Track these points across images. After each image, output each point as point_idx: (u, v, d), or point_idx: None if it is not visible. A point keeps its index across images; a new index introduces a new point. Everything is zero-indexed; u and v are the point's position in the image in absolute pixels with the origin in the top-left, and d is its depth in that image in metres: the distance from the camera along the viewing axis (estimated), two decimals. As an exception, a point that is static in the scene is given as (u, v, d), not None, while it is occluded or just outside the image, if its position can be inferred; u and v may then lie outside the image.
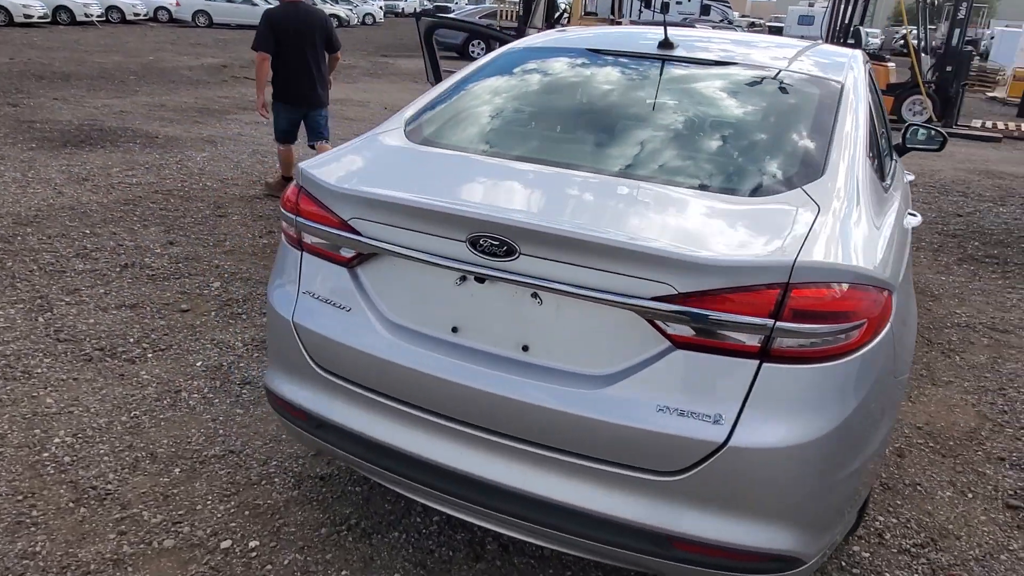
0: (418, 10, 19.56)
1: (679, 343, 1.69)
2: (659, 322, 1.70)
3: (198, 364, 3.42)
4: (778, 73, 2.49)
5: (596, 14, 15.71)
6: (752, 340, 1.64)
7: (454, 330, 1.92)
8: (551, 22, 11.89)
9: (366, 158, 2.24)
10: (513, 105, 2.55)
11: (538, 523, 1.84)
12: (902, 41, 19.43)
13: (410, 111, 2.54)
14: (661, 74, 2.52)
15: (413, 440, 1.97)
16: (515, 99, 2.58)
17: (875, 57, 14.43)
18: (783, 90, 2.41)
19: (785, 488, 1.70)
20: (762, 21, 49.19)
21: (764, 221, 1.80)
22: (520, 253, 1.75)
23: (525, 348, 1.85)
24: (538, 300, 1.81)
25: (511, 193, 1.96)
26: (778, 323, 1.62)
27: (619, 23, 15.87)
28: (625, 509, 1.76)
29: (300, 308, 2.10)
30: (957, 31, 12.98)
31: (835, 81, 2.44)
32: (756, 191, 1.97)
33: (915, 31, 13.72)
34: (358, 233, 1.97)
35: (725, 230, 1.76)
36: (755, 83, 2.45)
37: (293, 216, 2.11)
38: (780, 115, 2.30)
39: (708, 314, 1.64)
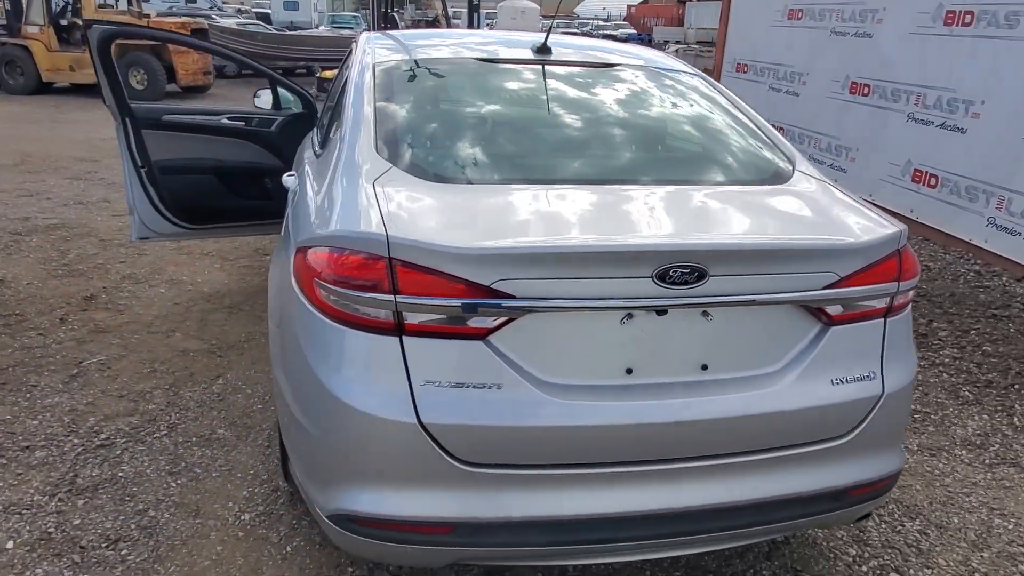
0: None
1: (835, 321, 1.90)
2: (821, 307, 1.88)
3: None
4: (674, 70, 2.82)
5: (114, 6, 13.62)
6: (882, 303, 1.95)
7: (628, 371, 1.80)
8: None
9: (430, 207, 1.86)
10: (488, 126, 2.37)
11: (730, 528, 1.90)
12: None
13: (368, 150, 2.09)
14: (546, 78, 2.62)
15: (595, 500, 1.80)
16: (481, 120, 2.40)
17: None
18: (681, 85, 2.75)
19: (904, 417, 2.10)
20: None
21: (821, 202, 2.10)
22: (710, 276, 1.73)
23: (704, 367, 1.84)
24: (708, 317, 1.81)
25: (646, 218, 1.89)
26: (900, 284, 1.95)
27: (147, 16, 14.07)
28: (810, 482, 1.94)
29: (425, 404, 1.69)
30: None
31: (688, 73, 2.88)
32: (777, 178, 2.25)
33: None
34: (508, 296, 1.67)
35: (827, 214, 2.03)
36: (663, 80, 2.74)
37: (388, 296, 1.67)
38: (720, 108, 2.61)
39: (860, 289, 1.88)
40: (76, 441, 2.84)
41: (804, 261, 1.82)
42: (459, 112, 2.47)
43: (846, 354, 1.92)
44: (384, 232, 1.68)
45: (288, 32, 21.84)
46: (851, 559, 2.46)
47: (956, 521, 2.69)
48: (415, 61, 2.64)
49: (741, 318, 1.84)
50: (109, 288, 4.43)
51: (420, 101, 2.46)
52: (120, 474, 2.64)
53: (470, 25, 16.91)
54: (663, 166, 2.27)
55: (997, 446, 3.21)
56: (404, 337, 1.70)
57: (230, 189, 4.16)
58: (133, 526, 2.40)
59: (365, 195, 1.87)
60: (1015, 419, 3.43)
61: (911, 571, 2.43)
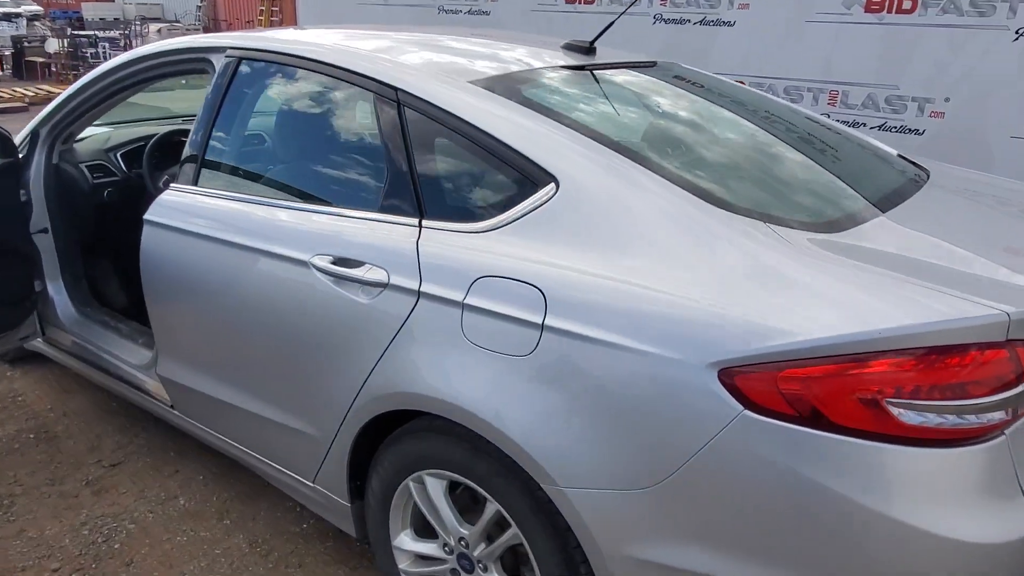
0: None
1: None
2: None
3: None
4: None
5: None
6: None
7: None
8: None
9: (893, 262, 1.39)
10: (745, 157, 1.85)
11: None
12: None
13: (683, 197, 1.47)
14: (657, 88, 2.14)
15: None
16: (730, 149, 1.86)
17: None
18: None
19: None
20: None
21: None
22: None
23: None
24: None
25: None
26: None
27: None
28: None
29: None
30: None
31: None
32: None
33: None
34: None
35: None
36: None
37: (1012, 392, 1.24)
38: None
39: None
40: None
41: None
42: (694, 136, 1.89)
43: None
44: (1003, 309, 1.21)
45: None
46: None
47: None
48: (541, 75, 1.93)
49: None
50: None
51: (627, 129, 1.81)
52: None
53: None
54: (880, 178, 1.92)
55: None
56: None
57: None
58: None
59: (823, 261, 1.35)
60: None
61: None
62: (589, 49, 2.15)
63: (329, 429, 1.84)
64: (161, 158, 2.87)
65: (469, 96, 1.69)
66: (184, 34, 14.95)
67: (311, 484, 1.99)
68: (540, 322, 1.42)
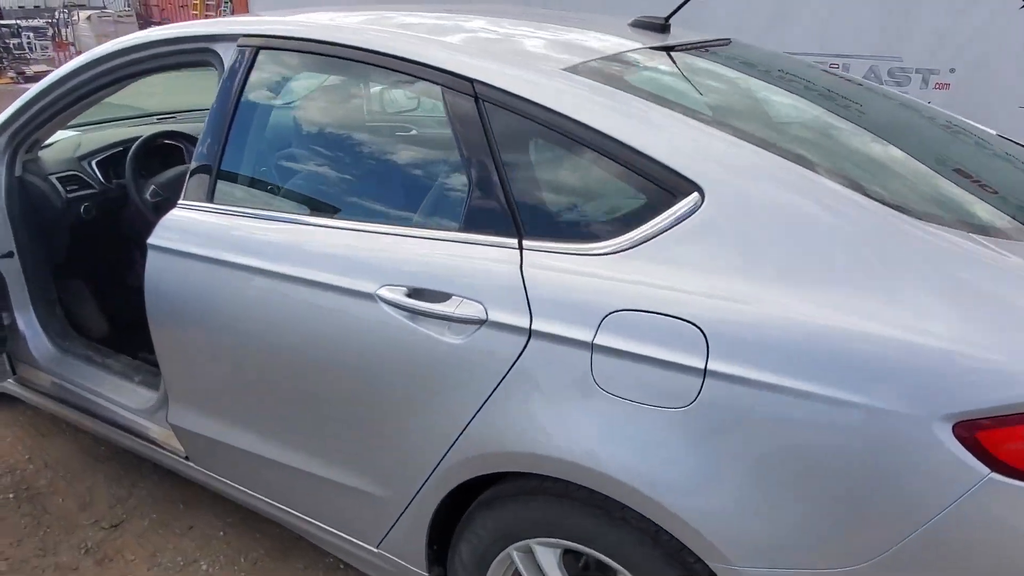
0: None
1: None
2: None
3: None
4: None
5: None
6: None
7: None
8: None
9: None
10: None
11: None
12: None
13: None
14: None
15: None
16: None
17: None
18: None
19: None
20: None
21: None
22: None
23: None
24: None
25: None
26: None
27: None
28: None
29: None
30: None
31: None
32: None
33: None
34: None
35: None
36: None
37: None
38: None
39: None
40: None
41: None
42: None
43: None
44: None
45: None
46: None
47: None
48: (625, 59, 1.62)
49: None
50: None
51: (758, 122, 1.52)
52: None
53: None
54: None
55: None
56: None
57: None
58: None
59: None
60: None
61: None
62: (664, 26, 1.87)
63: (404, 491, 1.54)
64: (145, 165, 2.50)
65: (568, 86, 1.39)
66: (117, 21, 14.08)
67: (375, 549, 1.69)
68: (701, 367, 1.15)
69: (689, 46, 1.82)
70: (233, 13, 12.23)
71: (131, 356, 2.43)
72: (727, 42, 2.01)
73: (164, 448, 2.09)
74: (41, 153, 2.49)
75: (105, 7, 15.80)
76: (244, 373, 1.73)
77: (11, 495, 2.38)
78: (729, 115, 1.47)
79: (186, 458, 2.04)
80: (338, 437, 1.62)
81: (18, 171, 2.37)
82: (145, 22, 15.20)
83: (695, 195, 1.23)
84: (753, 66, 1.88)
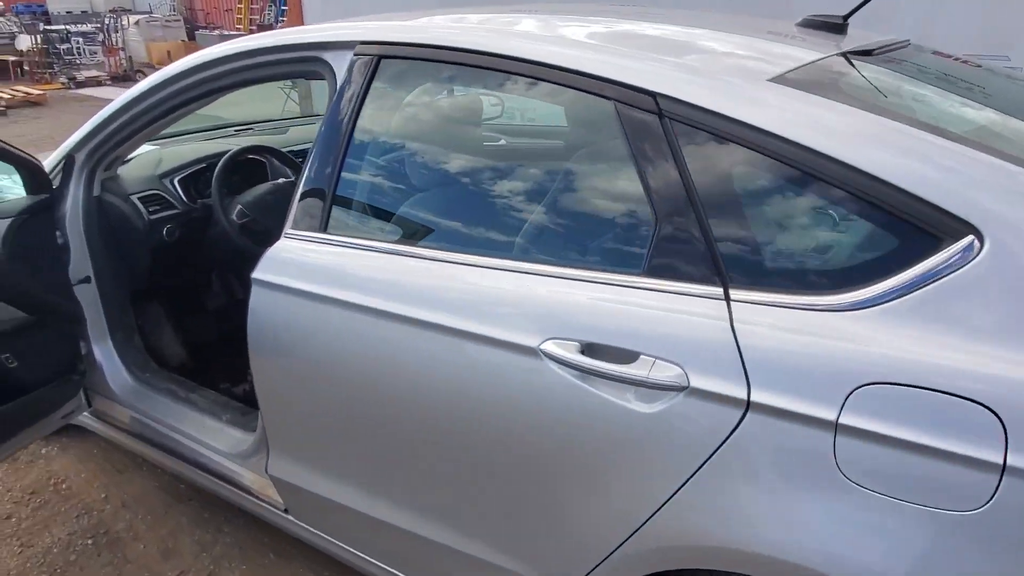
0: None
1: None
2: None
3: None
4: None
5: None
6: None
7: None
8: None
9: None
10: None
11: None
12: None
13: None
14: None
15: None
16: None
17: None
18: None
19: None
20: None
21: None
22: None
23: None
24: None
25: None
26: None
27: None
28: None
29: None
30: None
31: None
32: None
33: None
34: None
35: None
36: None
37: None
38: None
39: None
40: None
41: None
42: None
43: None
44: None
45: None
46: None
47: None
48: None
49: None
50: None
51: None
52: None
53: None
54: None
55: None
56: None
57: None
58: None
59: None
60: None
61: None
62: (841, 26, 1.61)
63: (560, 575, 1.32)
64: (228, 182, 2.31)
65: (786, 101, 1.15)
66: (165, 26, 14.14)
67: None
68: (1000, 462, 0.90)
69: (881, 49, 1.56)
70: (285, 17, 12.13)
71: (213, 388, 2.25)
72: (906, 44, 1.74)
73: (259, 498, 1.89)
74: (120, 171, 2.32)
75: (152, 12, 15.88)
76: (368, 430, 1.51)
77: (90, 540, 2.20)
78: (984, 135, 1.21)
79: (285, 511, 1.84)
80: (481, 508, 1.39)
81: (96, 191, 2.19)
82: (192, 27, 15.26)
83: (970, 239, 0.98)
84: (956, 77, 1.61)
